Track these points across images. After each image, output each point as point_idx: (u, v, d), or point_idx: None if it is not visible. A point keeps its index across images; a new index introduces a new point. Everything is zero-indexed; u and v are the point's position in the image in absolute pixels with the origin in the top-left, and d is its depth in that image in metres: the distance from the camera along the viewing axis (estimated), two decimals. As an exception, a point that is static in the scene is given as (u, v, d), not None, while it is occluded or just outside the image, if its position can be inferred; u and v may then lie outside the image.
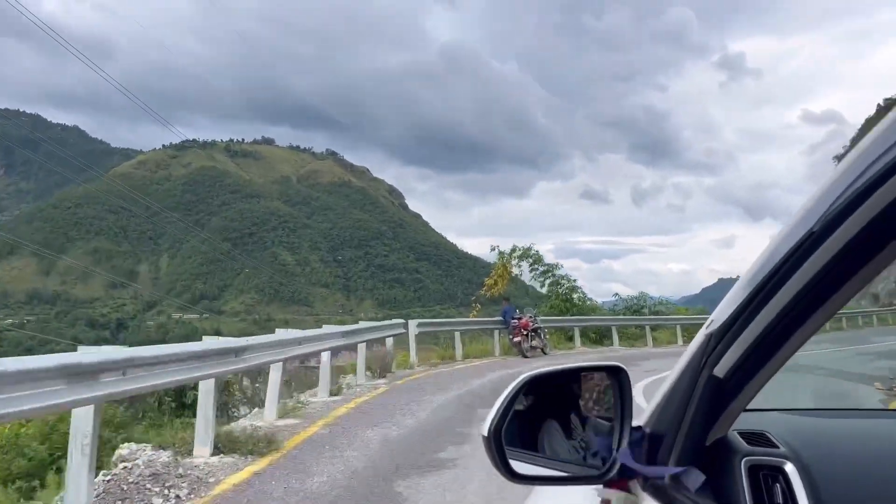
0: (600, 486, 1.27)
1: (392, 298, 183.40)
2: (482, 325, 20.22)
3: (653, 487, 1.15)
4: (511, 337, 18.39)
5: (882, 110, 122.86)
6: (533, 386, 1.29)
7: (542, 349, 18.75)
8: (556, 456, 1.32)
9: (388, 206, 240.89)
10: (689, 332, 26.56)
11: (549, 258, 26.84)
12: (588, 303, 25.84)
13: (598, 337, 23.91)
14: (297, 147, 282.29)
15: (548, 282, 25.45)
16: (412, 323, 16.03)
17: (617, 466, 1.19)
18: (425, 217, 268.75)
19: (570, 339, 22.63)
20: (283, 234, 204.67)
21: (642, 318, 25.83)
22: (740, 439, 1.20)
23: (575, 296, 25.39)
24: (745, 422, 1.23)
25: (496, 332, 19.14)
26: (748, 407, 1.11)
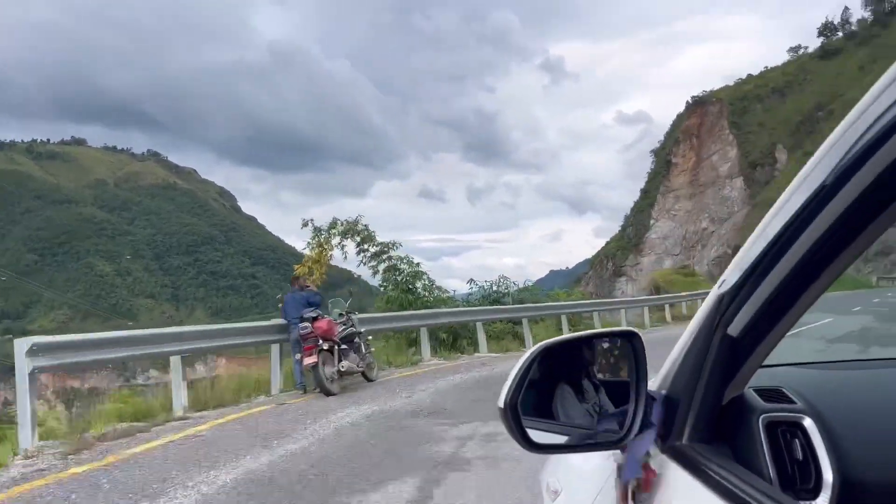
0: (618, 451, 1.26)
1: (227, 306, 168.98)
2: (228, 338, 10.30)
3: (672, 449, 1.14)
4: (298, 356, 9.85)
5: (690, 107, 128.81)
6: (546, 356, 1.27)
7: (364, 373, 10.70)
8: (572, 421, 1.30)
9: (220, 210, 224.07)
10: (576, 323, 19.72)
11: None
12: (437, 293, 18.15)
13: (452, 339, 16.40)
14: (114, 148, 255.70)
15: (382, 267, 17.55)
16: (21, 345, 6.75)
17: (635, 430, 1.20)
18: (261, 219, 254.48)
19: (415, 343, 15.00)
20: (99, 242, 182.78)
21: (520, 308, 18.44)
22: (757, 397, 1.19)
23: (419, 284, 17.71)
24: (761, 379, 1.24)
25: (275, 348, 10.64)
26: (764, 363, 1.10)
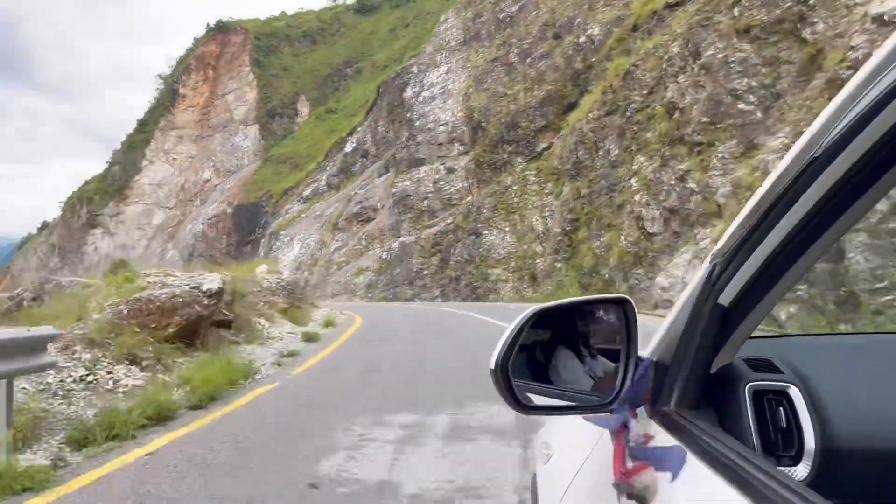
0: (609, 415, 1.26)
1: None
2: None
3: (659, 415, 1.15)
4: None
5: (211, 31, 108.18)
6: (540, 320, 1.30)
7: None
8: (567, 385, 1.35)
9: None
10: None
11: None
12: None
13: None
14: None
15: None
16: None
17: (623, 395, 1.21)
18: None
19: None
20: None
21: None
22: (745, 366, 1.21)
23: None
24: (750, 349, 1.26)
25: None
26: (754, 334, 1.11)
